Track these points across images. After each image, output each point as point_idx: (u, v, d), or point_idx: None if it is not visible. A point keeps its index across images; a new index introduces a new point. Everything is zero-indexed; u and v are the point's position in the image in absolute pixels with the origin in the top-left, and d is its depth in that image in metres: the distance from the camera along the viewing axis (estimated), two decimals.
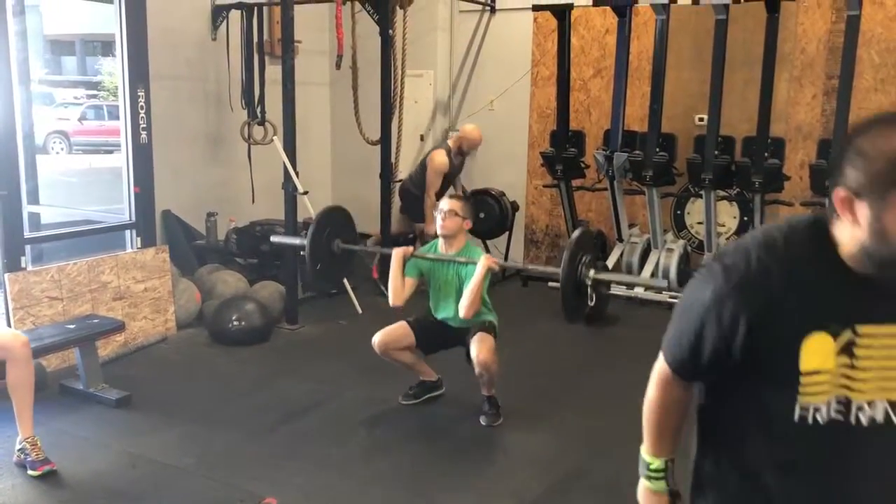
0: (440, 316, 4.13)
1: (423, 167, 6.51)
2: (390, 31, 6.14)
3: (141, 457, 3.63)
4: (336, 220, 4.53)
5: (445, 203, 4.05)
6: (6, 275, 4.44)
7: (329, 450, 3.77)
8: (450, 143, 6.57)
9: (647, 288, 6.19)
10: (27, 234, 4.74)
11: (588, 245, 3.97)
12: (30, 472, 3.42)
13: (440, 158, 6.37)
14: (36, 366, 4.31)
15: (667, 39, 5.95)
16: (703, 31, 6.00)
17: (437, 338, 4.14)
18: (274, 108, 5.97)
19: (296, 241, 4.51)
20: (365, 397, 4.40)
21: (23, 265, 4.52)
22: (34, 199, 5.57)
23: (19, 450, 3.48)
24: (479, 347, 3.89)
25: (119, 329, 4.40)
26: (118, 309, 4.98)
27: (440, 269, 4.08)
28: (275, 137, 5.75)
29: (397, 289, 4.05)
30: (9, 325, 4.44)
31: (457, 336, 4.08)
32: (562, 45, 6.43)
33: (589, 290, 3.84)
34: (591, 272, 3.85)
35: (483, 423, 4.05)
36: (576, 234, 3.86)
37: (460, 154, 6.56)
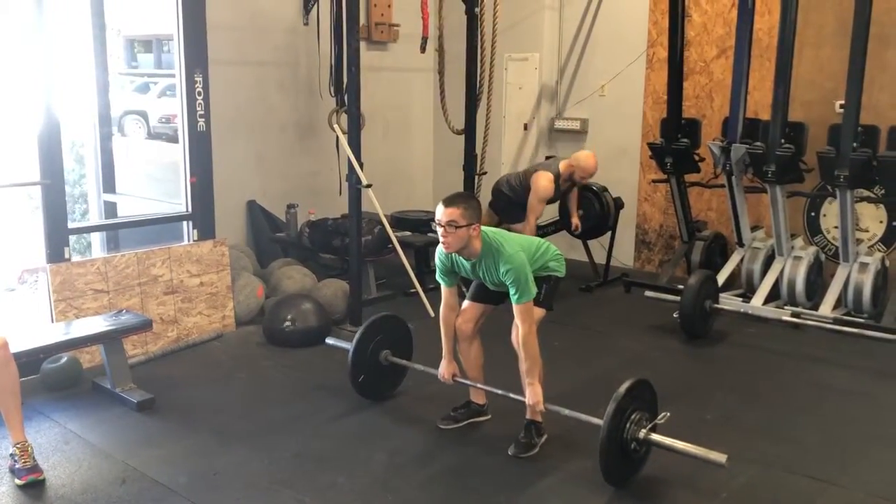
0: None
1: (525, 180, 5.64)
2: (476, 10, 5.61)
3: (136, 471, 3.35)
4: (389, 328, 4.04)
5: (441, 212, 3.25)
6: (48, 265, 4.34)
7: (337, 477, 3.33)
8: (560, 166, 5.60)
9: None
10: (72, 224, 4.64)
11: (643, 396, 3.25)
12: (15, 480, 3.23)
13: (546, 184, 5.46)
14: (71, 361, 4.24)
15: (796, 9, 5.06)
16: (851, 1, 5.04)
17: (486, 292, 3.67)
18: (368, 96, 5.51)
19: (346, 345, 4.06)
20: (403, 416, 3.95)
21: (66, 256, 4.41)
22: (110, 187, 5.53)
23: (10, 455, 3.31)
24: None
25: (146, 327, 4.17)
26: (170, 304, 4.80)
27: (470, 273, 3.52)
28: (335, 125, 5.37)
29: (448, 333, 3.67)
30: (51, 317, 4.35)
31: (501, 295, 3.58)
32: (674, 21, 5.67)
33: (636, 450, 3.17)
34: (642, 432, 3.14)
35: (510, 452, 3.51)
36: (627, 383, 3.16)
37: (570, 181, 5.67)
